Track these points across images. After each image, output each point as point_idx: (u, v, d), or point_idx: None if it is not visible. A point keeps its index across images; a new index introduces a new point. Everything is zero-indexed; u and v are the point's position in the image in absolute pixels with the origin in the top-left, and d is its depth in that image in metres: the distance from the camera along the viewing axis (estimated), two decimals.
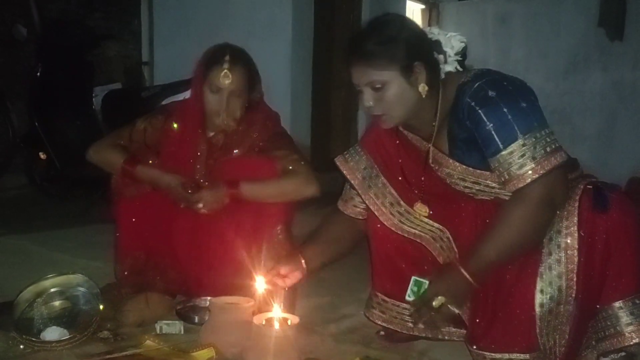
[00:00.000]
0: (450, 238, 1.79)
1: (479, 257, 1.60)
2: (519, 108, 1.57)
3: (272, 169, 2.08)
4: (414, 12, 6.56)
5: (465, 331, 1.81)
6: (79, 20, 5.03)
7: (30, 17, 4.08)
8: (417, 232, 1.82)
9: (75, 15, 5.20)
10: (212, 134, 2.18)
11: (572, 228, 1.58)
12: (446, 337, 1.89)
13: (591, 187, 1.61)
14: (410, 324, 1.87)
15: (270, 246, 2.05)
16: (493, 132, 1.57)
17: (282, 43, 4.68)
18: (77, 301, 1.93)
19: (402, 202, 1.82)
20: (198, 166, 2.16)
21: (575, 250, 1.58)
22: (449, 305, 1.59)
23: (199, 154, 2.16)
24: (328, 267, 2.00)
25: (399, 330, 1.91)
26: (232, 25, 4.70)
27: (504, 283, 1.66)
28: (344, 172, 1.89)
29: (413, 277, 1.69)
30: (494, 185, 1.66)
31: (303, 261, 1.88)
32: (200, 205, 2.02)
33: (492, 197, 1.70)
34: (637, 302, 1.61)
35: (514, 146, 1.55)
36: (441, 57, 1.69)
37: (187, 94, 2.22)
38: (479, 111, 1.58)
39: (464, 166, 1.69)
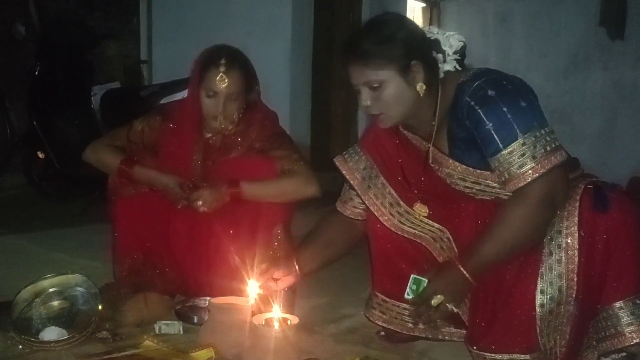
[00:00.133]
0: (451, 238, 1.79)
1: (478, 256, 1.60)
2: (518, 107, 1.56)
3: (271, 169, 2.08)
4: (415, 10, 6.56)
5: (465, 331, 1.80)
6: (78, 19, 5.02)
7: (30, 17, 4.08)
8: (417, 232, 1.81)
9: (75, 14, 5.20)
10: (209, 135, 2.17)
11: (572, 228, 1.58)
12: (446, 338, 1.89)
13: (592, 186, 1.61)
14: (411, 325, 1.87)
15: (265, 248, 2.04)
16: (493, 132, 1.56)
17: (282, 43, 4.68)
18: (75, 301, 1.92)
19: (401, 203, 1.81)
20: (195, 166, 2.15)
21: (575, 251, 1.57)
22: (447, 304, 1.59)
23: (196, 155, 2.15)
24: (327, 268, 1.99)
25: (399, 331, 1.90)
26: (231, 24, 4.70)
27: (504, 283, 1.65)
28: (343, 172, 1.88)
29: (412, 276, 1.69)
30: (494, 185, 1.66)
31: (297, 266, 1.87)
32: (200, 203, 2.01)
33: (492, 197, 1.69)
34: (638, 302, 1.60)
35: (513, 145, 1.54)
36: (440, 56, 1.68)
37: (185, 93, 2.22)
38: (479, 110, 1.58)
39: (464, 166, 1.68)
